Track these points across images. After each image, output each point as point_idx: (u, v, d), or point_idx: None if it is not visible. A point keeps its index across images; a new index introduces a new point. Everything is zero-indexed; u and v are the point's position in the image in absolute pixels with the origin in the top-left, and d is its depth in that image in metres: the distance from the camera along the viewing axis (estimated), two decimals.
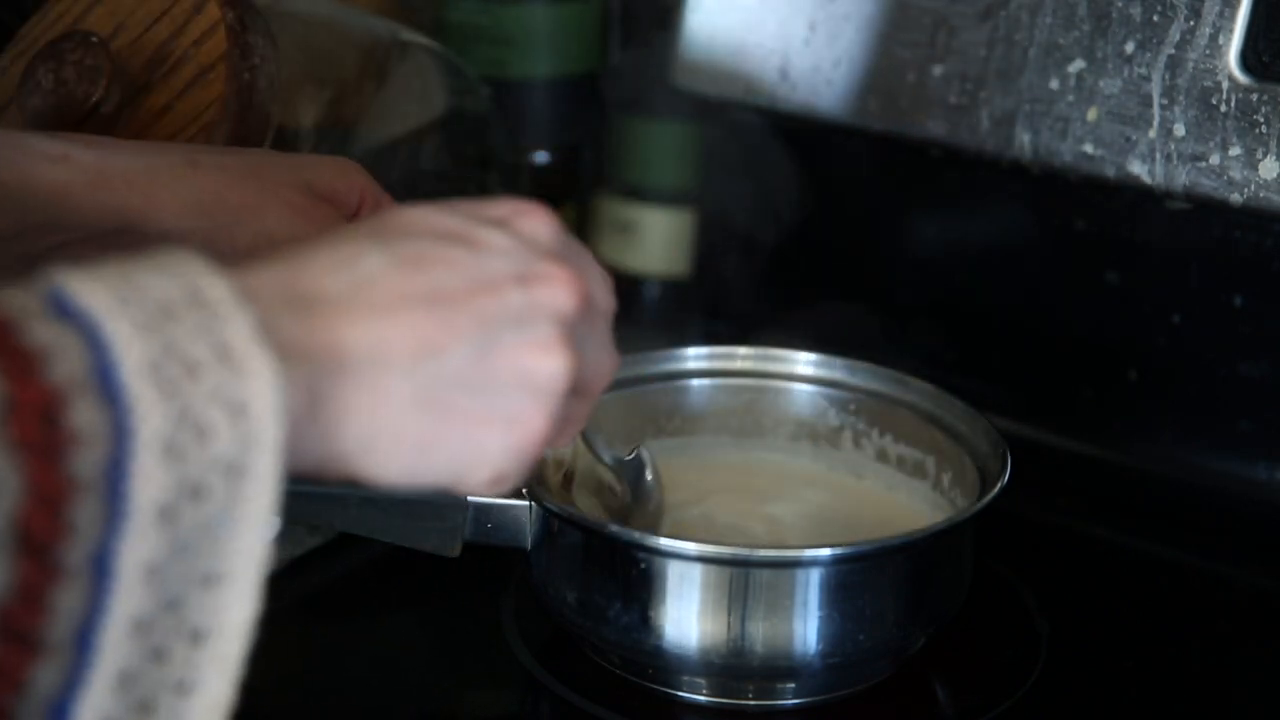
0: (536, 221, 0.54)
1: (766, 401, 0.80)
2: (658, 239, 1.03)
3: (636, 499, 0.72)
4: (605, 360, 0.56)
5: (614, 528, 0.67)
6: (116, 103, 0.72)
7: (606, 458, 0.71)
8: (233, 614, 0.44)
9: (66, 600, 0.41)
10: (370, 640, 0.77)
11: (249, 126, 0.72)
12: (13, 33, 0.76)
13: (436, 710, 0.74)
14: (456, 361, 0.49)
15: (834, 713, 0.70)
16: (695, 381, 0.80)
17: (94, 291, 0.43)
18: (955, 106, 0.87)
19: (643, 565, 0.66)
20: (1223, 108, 0.80)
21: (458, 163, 0.90)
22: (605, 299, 0.56)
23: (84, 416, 0.42)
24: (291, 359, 0.46)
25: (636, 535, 0.66)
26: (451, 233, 0.51)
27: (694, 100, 0.98)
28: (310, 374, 0.47)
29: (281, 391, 0.44)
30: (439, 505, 0.66)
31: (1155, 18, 0.82)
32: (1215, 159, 0.80)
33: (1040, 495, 0.86)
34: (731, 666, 0.66)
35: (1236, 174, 0.80)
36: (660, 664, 0.68)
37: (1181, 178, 0.81)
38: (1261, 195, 0.79)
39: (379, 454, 0.49)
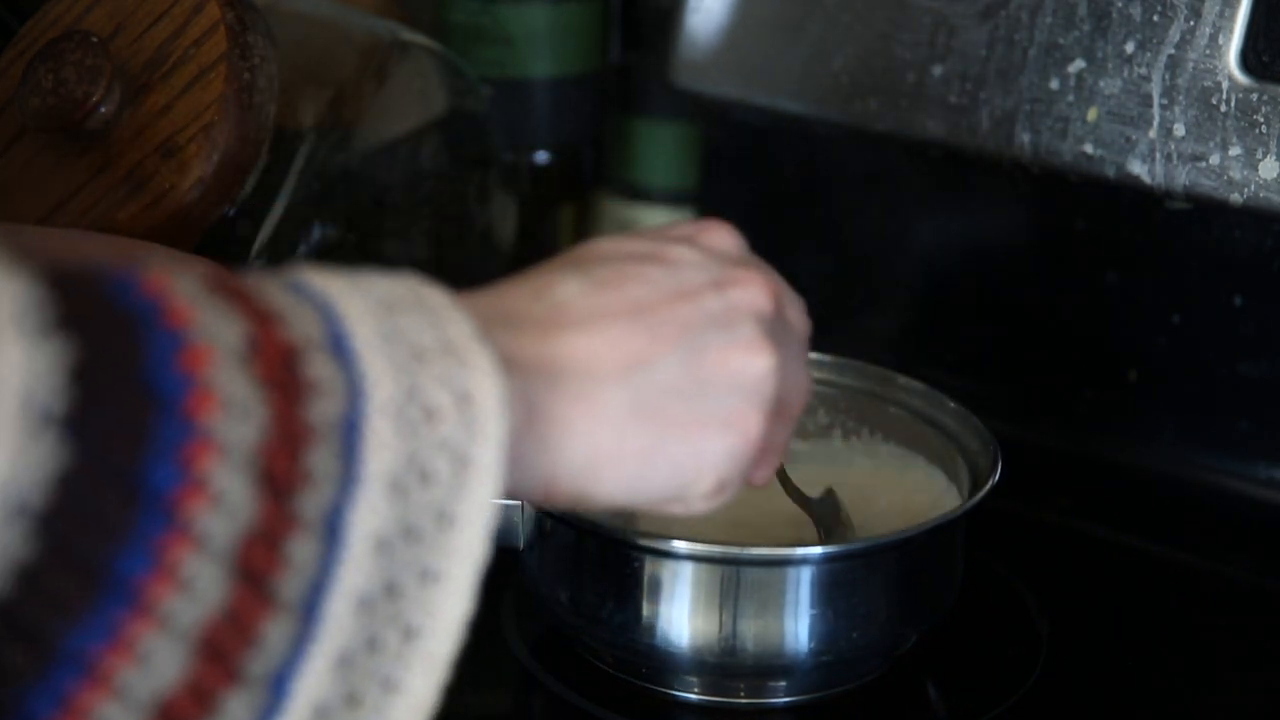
0: (720, 234, 0.56)
1: None
2: None
3: (830, 538, 0.71)
4: (802, 379, 0.56)
5: (606, 527, 0.67)
6: (116, 103, 0.72)
7: (803, 497, 0.70)
8: (446, 615, 0.44)
9: (301, 554, 0.41)
10: None
11: (249, 126, 0.72)
12: (13, 33, 0.77)
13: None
14: (667, 369, 0.50)
15: (826, 711, 0.70)
16: None
17: (327, 278, 0.45)
18: (955, 106, 0.87)
19: (634, 564, 0.66)
20: (1223, 108, 0.80)
21: (457, 163, 0.90)
22: (798, 318, 0.57)
23: (321, 369, 0.42)
24: (508, 369, 0.46)
25: (629, 535, 0.66)
26: (642, 253, 0.53)
27: (694, 100, 0.98)
28: (526, 386, 0.47)
29: (505, 388, 0.45)
30: None
31: (1155, 18, 0.82)
32: (1215, 159, 0.80)
33: (1040, 495, 0.86)
34: (723, 665, 0.67)
35: (1236, 174, 0.80)
36: (653, 663, 0.68)
37: (1181, 178, 0.81)
38: (1261, 195, 0.79)
39: (602, 470, 0.49)
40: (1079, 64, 0.84)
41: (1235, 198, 0.80)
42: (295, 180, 0.79)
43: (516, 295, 0.50)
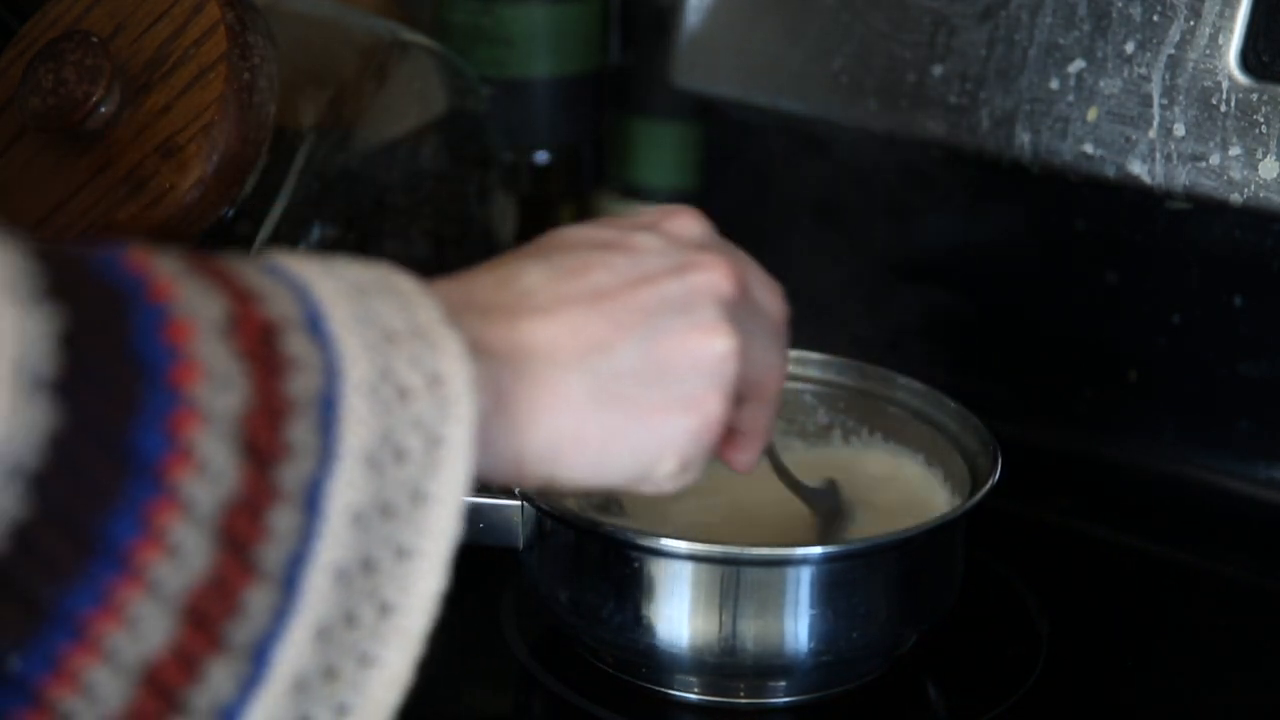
0: (685, 220, 0.57)
1: None
2: None
3: (829, 525, 0.72)
4: (775, 361, 0.57)
5: (606, 527, 0.67)
6: (116, 103, 0.72)
7: (798, 484, 0.71)
8: (420, 591, 0.44)
9: (282, 525, 0.42)
10: None
11: (249, 126, 0.72)
12: (13, 33, 0.77)
13: (432, 706, 0.74)
14: (626, 355, 0.51)
15: (826, 711, 0.70)
16: None
17: (302, 263, 0.46)
18: (955, 106, 0.87)
19: (634, 564, 0.66)
20: (1223, 108, 0.80)
21: (458, 163, 0.90)
22: (770, 300, 0.57)
23: (299, 347, 0.43)
24: (476, 354, 0.47)
25: (628, 534, 0.66)
26: (606, 241, 0.54)
27: (694, 100, 0.98)
28: (493, 371, 0.49)
29: (474, 371, 0.46)
30: None
31: (1155, 18, 0.82)
32: (1215, 159, 0.80)
33: (1040, 495, 0.86)
34: (723, 665, 0.67)
35: (1236, 174, 0.80)
36: (652, 663, 0.68)
37: (1181, 178, 0.81)
38: (1261, 195, 0.79)
39: (566, 454, 0.50)
40: (1079, 64, 0.84)
41: (1235, 198, 0.80)
42: (295, 180, 0.79)
43: (483, 283, 0.51)
